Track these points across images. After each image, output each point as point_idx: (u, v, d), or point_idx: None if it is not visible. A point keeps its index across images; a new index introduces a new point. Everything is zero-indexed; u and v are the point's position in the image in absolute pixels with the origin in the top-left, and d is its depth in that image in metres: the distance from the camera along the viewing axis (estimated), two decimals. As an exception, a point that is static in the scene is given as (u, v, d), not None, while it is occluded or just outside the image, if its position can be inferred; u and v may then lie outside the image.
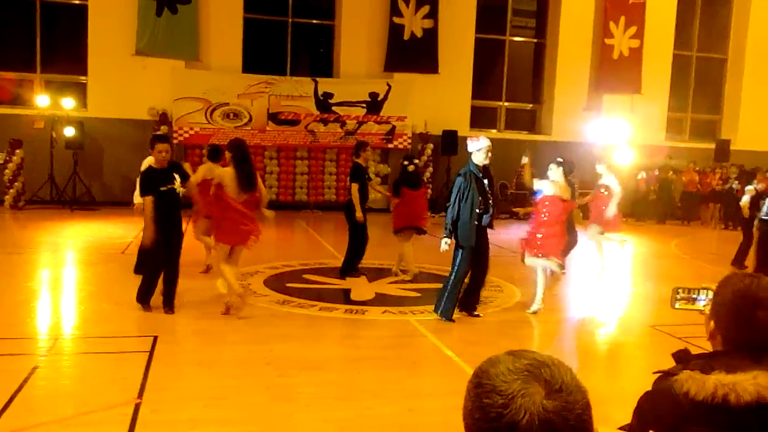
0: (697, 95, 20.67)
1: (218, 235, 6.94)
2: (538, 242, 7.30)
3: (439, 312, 6.90)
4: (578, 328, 7.39)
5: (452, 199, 6.79)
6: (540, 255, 7.28)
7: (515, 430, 0.90)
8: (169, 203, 6.62)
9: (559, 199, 7.39)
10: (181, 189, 6.67)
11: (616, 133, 17.38)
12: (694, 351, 1.92)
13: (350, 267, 8.93)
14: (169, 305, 6.74)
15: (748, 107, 19.91)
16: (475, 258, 6.83)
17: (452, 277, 6.84)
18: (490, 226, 6.91)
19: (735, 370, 1.73)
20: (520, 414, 0.90)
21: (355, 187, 8.51)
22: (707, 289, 1.88)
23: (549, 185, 7.46)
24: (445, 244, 6.75)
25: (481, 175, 6.81)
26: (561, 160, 7.82)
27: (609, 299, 8.76)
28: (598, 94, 18.71)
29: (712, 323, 1.92)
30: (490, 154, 6.84)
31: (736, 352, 1.83)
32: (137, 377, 4.87)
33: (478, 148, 6.79)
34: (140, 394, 4.56)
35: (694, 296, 1.86)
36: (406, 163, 9.16)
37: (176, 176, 6.67)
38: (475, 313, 7.14)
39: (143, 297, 6.74)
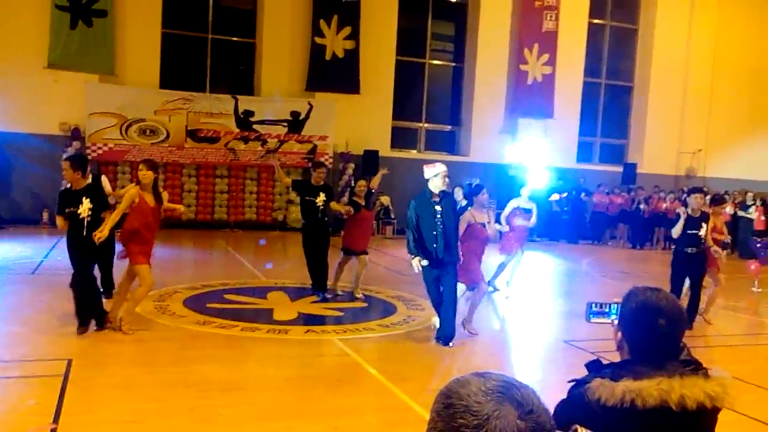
0: (606, 121, 21.67)
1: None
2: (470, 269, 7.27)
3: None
4: (494, 345, 7.59)
5: (409, 224, 6.89)
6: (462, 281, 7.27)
7: None
8: (74, 226, 6.52)
9: (476, 225, 7.30)
10: (86, 214, 6.52)
11: (531, 156, 18.05)
12: (605, 362, 2.06)
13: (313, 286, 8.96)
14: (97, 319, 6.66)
15: (653, 132, 21.04)
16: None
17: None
18: (449, 261, 6.83)
19: (641, 377, 1.88)
20: None
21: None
22: (617, 303, 2.03)
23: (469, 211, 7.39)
24: (415, 263, 6.80)
25: (436, 200, 6.79)
26: (471, 183, 7.86)
27: (524, 316, 9.05)
28: (514, 117, 19.35)
29: (619, 334, 2.09)
30: (446, 180, 6.87)
31: (642, 360, 1.99)
32: (52, 402, 4.69)
33: (435, 173, 6.79)
34: (56, 419, 4.40)
35: (606, 310, 2.01)
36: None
37: (85, 200, 6.52)
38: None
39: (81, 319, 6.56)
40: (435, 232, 6.74)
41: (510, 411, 0.92)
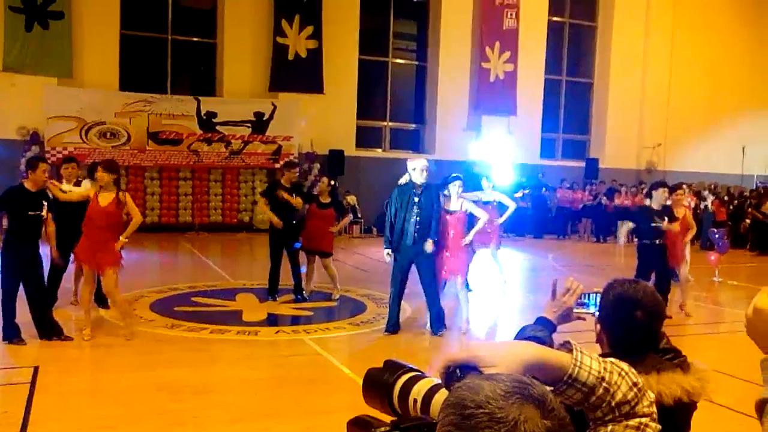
0: (568, 117, 21.96)
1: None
2: (446, 263, 7.36)
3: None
4: (468, 341, 7.63)
5: (387, 212, 7.29)
6: (450, 275, 7.40)
7: None
8: (35, 229, 6.39)
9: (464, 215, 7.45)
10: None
11: (495, 152, 18.22)
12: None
13: (270, 290, 8.81)
14: (41, 331, 6.42)
15: (613, 128, 21.39)
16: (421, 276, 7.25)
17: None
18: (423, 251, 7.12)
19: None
20: None
21: (261, 201, 8.91)
22: (596, 293, 2.04)
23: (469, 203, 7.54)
24: (386, 254, 7.19)
25: (416, 191, 7.11)
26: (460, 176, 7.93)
27: (495, 311, 9.13)
28: (478, 115, 19.49)
29: (598, 326, 2.09)
30: (425, 173, 7.16)
31: (620, 352, 2.00)
32: (19, 411, 4.59)
33: (413, 167, 7.18)
34: (23, 428, 4.31)
35: (585, 300, 2.01)
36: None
37: (44, 203, 6.43)
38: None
39: (4, 329, 6.32)
40: (412, 220, 7.08)
41: (533, 412, 0.88)
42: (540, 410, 0.88)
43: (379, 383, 1.18)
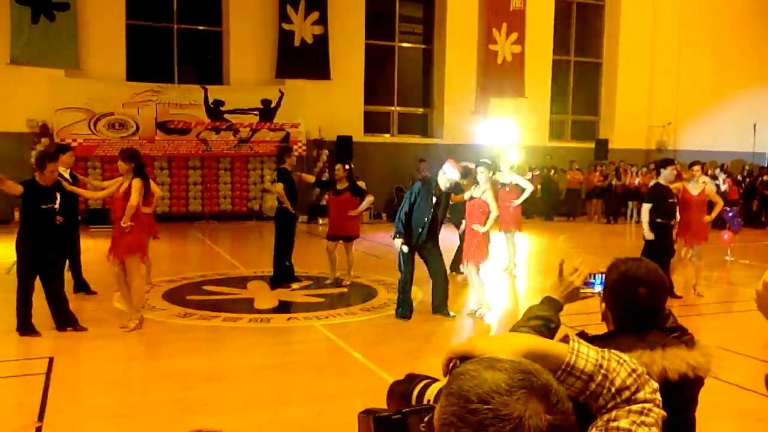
0: (577, 98, 21.81)
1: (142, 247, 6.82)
2: (473, 249, 7.39)
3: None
4: (475, 325, 7.64)
5: (404, 201, 7.30)
6: (476, 262, 7.41)
7: None
8: (49, 223, 6.40)
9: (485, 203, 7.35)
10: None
11: (503, 135, 18.12)
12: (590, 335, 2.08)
13: (285, 275, 8.94)
14: (58, 324, 6.47)
15: (623, 108, 21.22)
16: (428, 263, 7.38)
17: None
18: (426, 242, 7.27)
19: (622, 349, 1.89)
20: None
21: (280, 186, 8.70)
22: (601, 273, 2.04)
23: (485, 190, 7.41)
24: (397, 243, 7.21)
25: (437, 194, 7.24)
26: (487, 161, 7.88)
27: (504, 293, 9.12)
28: (485, 97, 19.38)
29: (603, 305, 2.11)
30: (448, 185, 7.31)
31: (626, 329, 2.01)
32: (35, 400, 4.63)
33: (445, 172, 7.22)
34: (40, 418, 4.36)
35: (591, 280, 2.02)
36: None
37: (57, 195, 6.46)
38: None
39: (19, 324, 6.33)
40: (426, 219, 7.16)
41: (538, 407, 0.88)
42: (544, 404, 0.88)
43: (400, 393, 1.28)
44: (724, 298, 9.46)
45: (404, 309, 7.34)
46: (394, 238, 7.25)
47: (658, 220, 8.14)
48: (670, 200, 8.15)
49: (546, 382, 0.91)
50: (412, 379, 1.29)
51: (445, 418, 0.90)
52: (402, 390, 1.28)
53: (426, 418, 1.05)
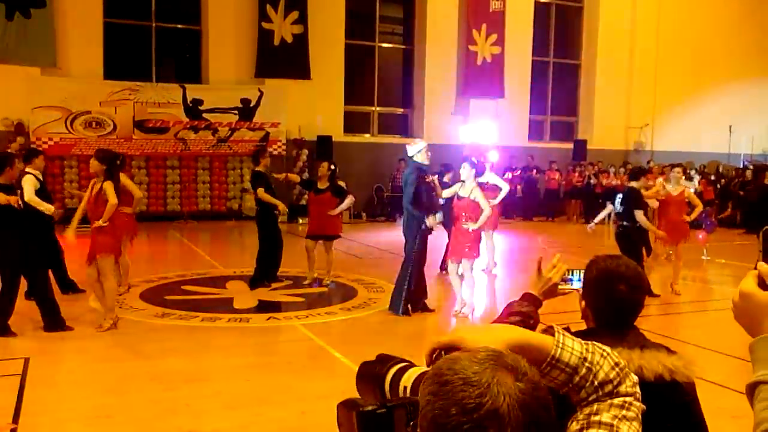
0: (556, 99, 21.94)
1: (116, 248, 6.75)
2: (467, 248, 7.39)
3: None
4: (458, 322, 7.66)
5: (409, 190, 7.23)
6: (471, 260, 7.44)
7: (496, 417, 0.89)
8: (13, 222, 6.30)
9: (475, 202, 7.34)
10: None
11: (483, 136, 18.19)
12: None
13: (266, 276, 8.85)
14: (46, 324, 6.44)
15: (601, 109, 21.40)
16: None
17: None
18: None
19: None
20: (500, 400, 0.89)
21: (261, 190, 8.54)
22: (580, 270, 2.06)
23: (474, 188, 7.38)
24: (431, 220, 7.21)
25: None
26: (475, 160, 7.94)
27: (486, 292, 9.16)
28: (466, 98, 19.44)
29: (583, 303, 2.12)
30: (429, 153, 7.27)
31: (605, 326, 2.03)
32: (10, 402, 4.57)
33: (418, 149, 7.22)
34: (15, 420, 4.30)
35: (569, 277, 2.04)
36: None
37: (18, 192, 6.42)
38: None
39: None
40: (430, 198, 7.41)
41: (506, 375, 0.92)
42: (513, 374, 0.93)
43: (372, 375, 1.23)
44: (700, 296, 9.59)
45: (405, 305, 7.40)
46: (428, 223, 7.23)
47: (625, 223, 8.29)
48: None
49: (515, 358, 0.96)
50: (385, 360, 1.24)
51: (424, 398, 0.95)
52: (374, 373, 1.22)
53: (411, 423, 1.05)
